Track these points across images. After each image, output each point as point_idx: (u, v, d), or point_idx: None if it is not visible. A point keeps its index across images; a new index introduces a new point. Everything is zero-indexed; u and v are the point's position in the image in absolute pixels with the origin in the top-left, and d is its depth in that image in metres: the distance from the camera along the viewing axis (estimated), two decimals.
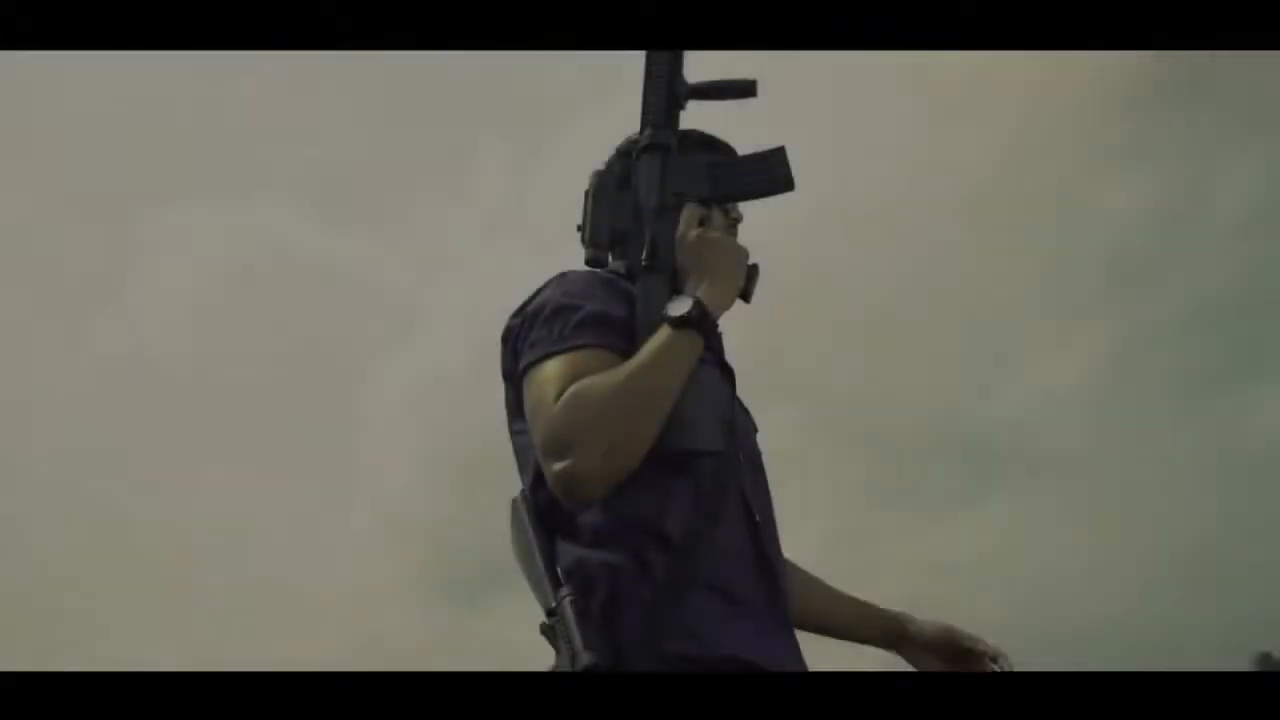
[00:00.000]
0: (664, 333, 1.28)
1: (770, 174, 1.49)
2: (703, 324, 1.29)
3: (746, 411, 1.52)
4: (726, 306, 1.36)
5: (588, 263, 1.44)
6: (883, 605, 1.62)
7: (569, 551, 1.30)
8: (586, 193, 1.45)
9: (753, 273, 1.43)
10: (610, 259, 1.45)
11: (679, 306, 1.29)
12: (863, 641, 1.62)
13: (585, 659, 1.15)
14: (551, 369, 1.28)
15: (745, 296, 1.42)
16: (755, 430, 1.52)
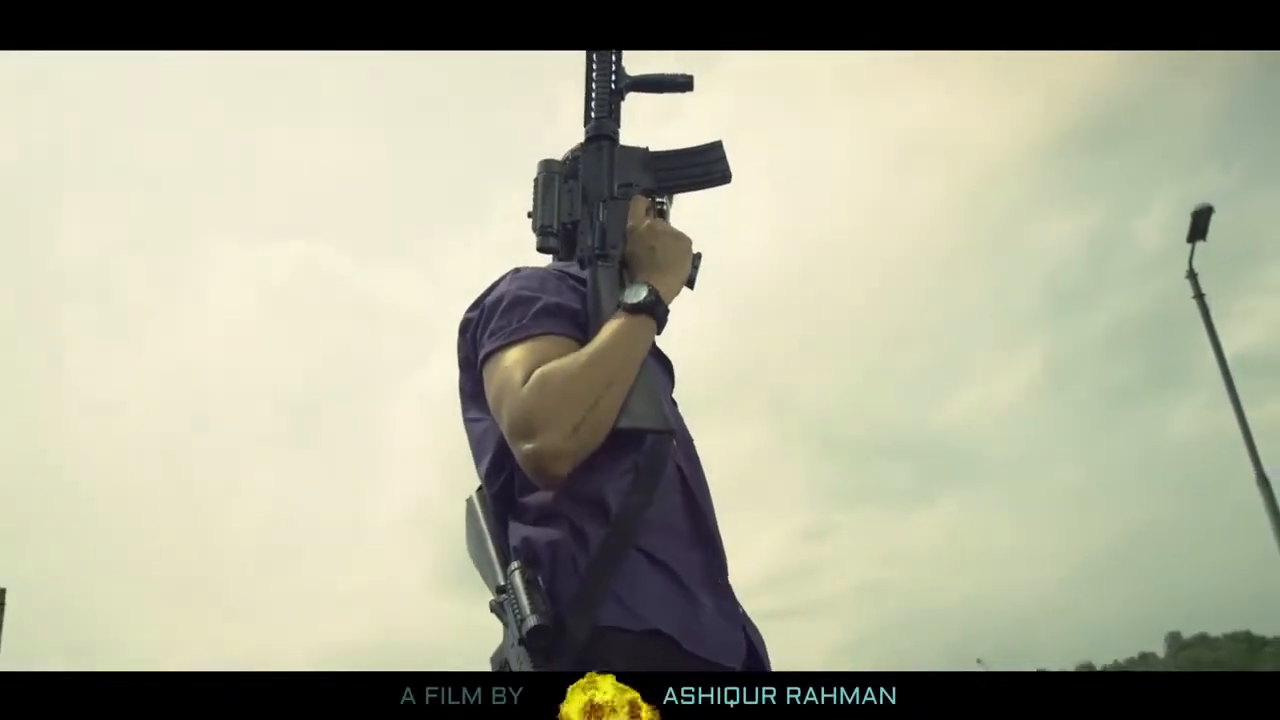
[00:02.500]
0: (621, 318, 1.30)
1: (708, 167, 1.50)
2: (655, 310, 1.32)
3: (673, 401, 1.55)
4: (676, 293, 1.40)
5: (539, 249, 1.44)
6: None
7: (517, 531, 1.32)
8: (536, 181, 1.45)
9: (696, 261, 1.45)
10: (559, 245, 1.45)
11: (635, 294, 1.32)
12: None
13: (532, 621, 1.18)
14: (514, 355, 1.29)
15: (690, 284, 1.45)
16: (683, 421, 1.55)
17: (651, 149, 1.51)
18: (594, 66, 1.47)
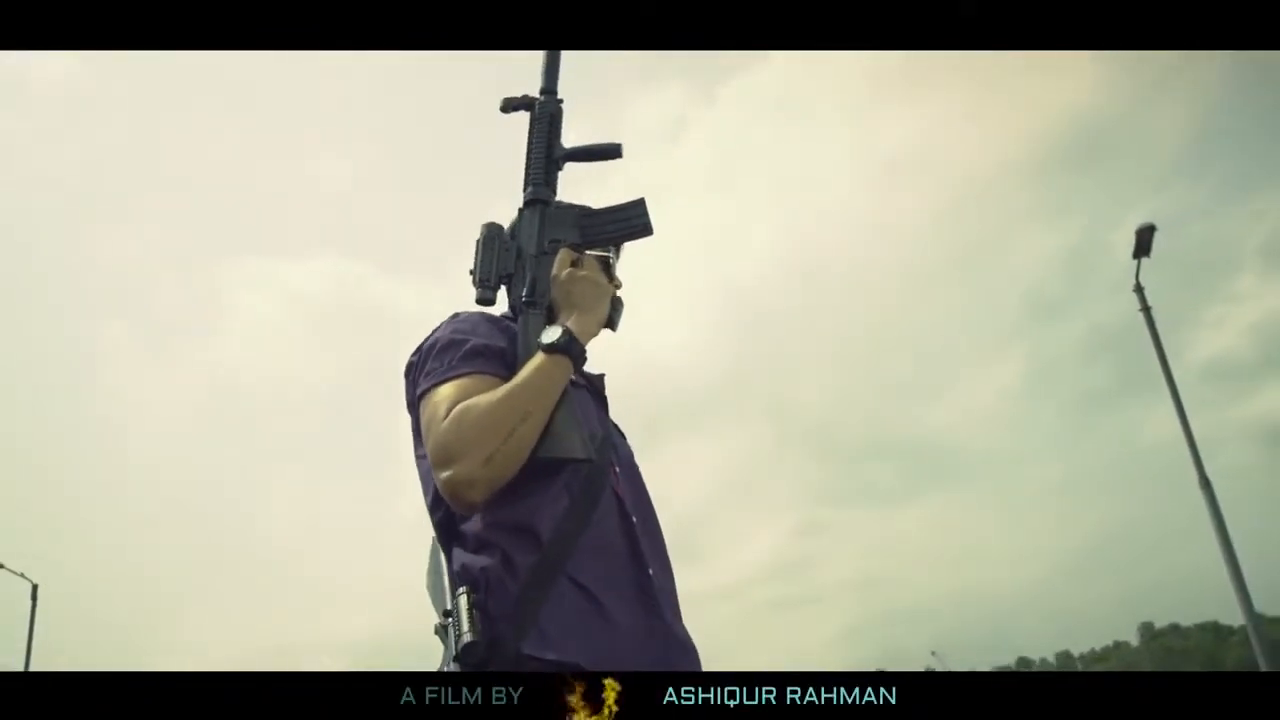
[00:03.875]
0: (537, 357, 1.38)
1: (630, 222, 1.60)
2: (570, 349, 1.39)
3: (620, 432, 1.62)
4: (593, 334, 1.47)
5: (478, 301, 1.53)
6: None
7: (458, 559, 1.38)
8: (478, 241, 1.55)
9: (617, 304, 1.55)
10: (497, 297, 1.54)
11: (550, 334, 1.40)
12: None
13: (466, 638, 1.23)
14: (442, 393, 1.37)
15: (611, 325, 1.54)
16: (629, 449, 1.61)
17: (586, 207, 1.61)
18: (533, 140, 1.59)
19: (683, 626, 1.45)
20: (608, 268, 1.61)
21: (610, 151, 1.61)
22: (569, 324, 1.42)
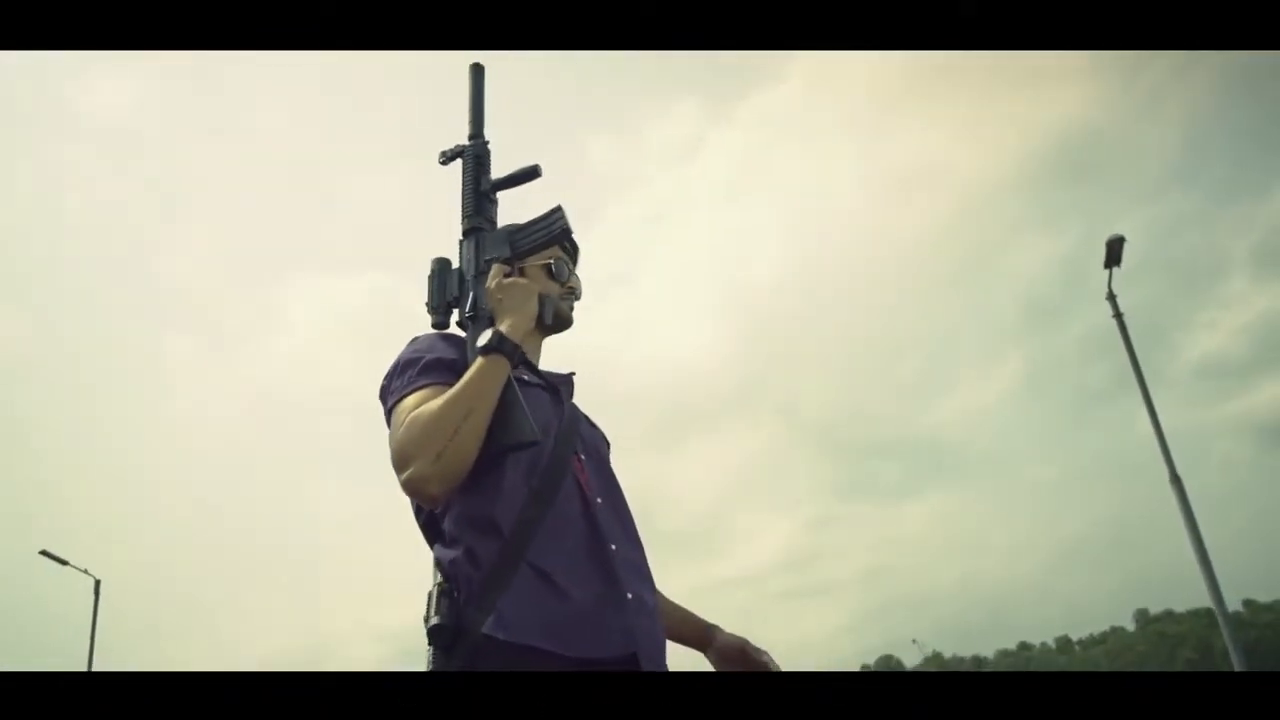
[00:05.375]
0: (476, 360, 1.47)
1: (550, 227, 1.71)
2: (502, 347, 1.47)
3: (594, 425, 1.74)
4: (523, 329, 1.55)
5: (432, 325, 1.66)
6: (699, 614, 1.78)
7: (436, 552, 1.48)
8: (429, 275, 1.69)
9: (544, 302, 1.65)
10: (449, 321, 1.67)
11: (483, 338, 1.49)
12: (682, 641, 1.76)
13: (433, 621, 1.34)
14: (403, 406, 1.48)
15: (542, 319, 1.64)
16: (606, 443, 1.75)
17: (515, 224, 1.72)
18: (464, 179, 1.73)
19: (651, 593, 1.54)
20: (552, 273, 1.73)
21: (530, 173, 1.73)
22: (500, 326, 1.52)
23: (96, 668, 14.56)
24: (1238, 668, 9.90)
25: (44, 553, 14.28)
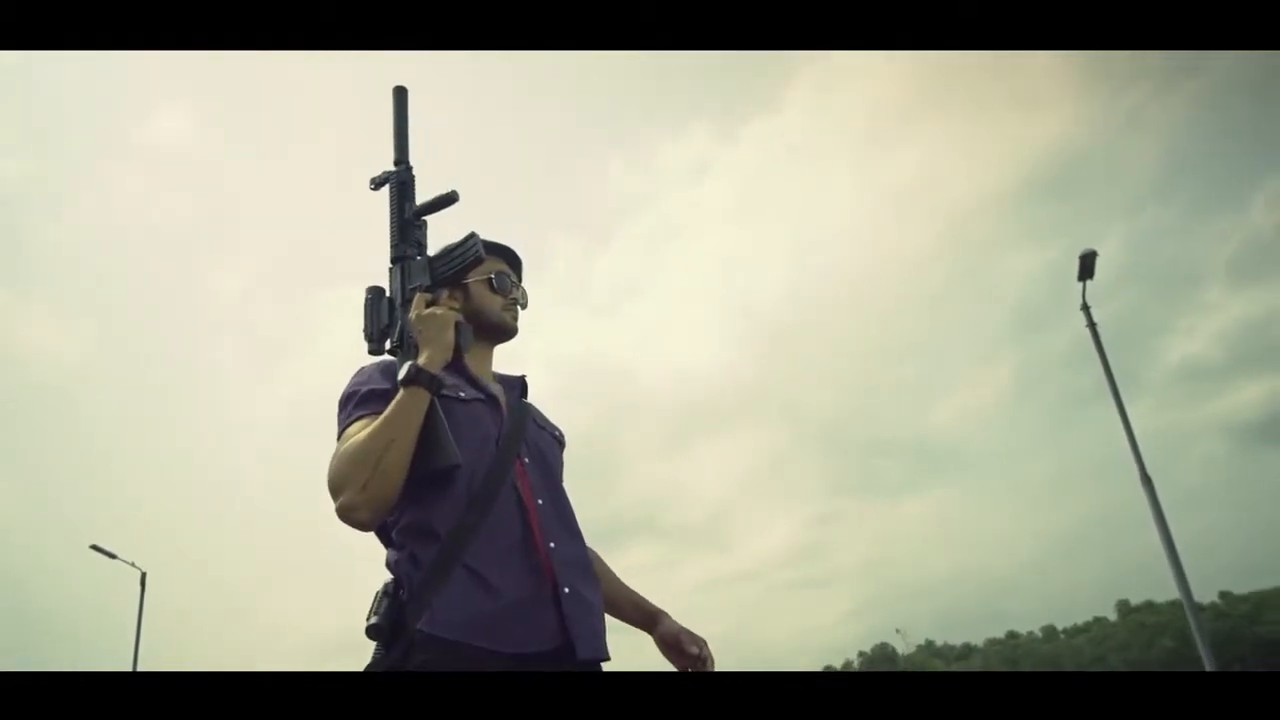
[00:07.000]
0: (399, 392, 1.50)
1: (464, 254, 1.70)
2: (419, 379, 1.50)
3: (543, 428, 1.74)
4: (442, 359, 1.57)
5: (369, 353, 1.68)
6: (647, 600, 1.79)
7: (386, 557, 1.53)
8: (364, 303, 1.69)
9: (460, 329, 1.63)
10: (385, 349, 1.68)
11: (402, 372, 1.51)
12: (632, 624, 1.78)
13: (371, 620, 1.40)
14: (341, 439, 1.52)
15: (461, 348, 1.62)
16: (560, 443, 1.77)
17: (436, 253, 1.72)
18: (391, 205, 1.72)
19: (590, 586, 1.56)
20: (494, 286, 1.75)
21: (448, 199, 1.72)
22: (420, 359, 1.54)
23: (141, 653, 14.87)
24: (1204, 656, 10.16)
25: (94, 547, 14.72)
